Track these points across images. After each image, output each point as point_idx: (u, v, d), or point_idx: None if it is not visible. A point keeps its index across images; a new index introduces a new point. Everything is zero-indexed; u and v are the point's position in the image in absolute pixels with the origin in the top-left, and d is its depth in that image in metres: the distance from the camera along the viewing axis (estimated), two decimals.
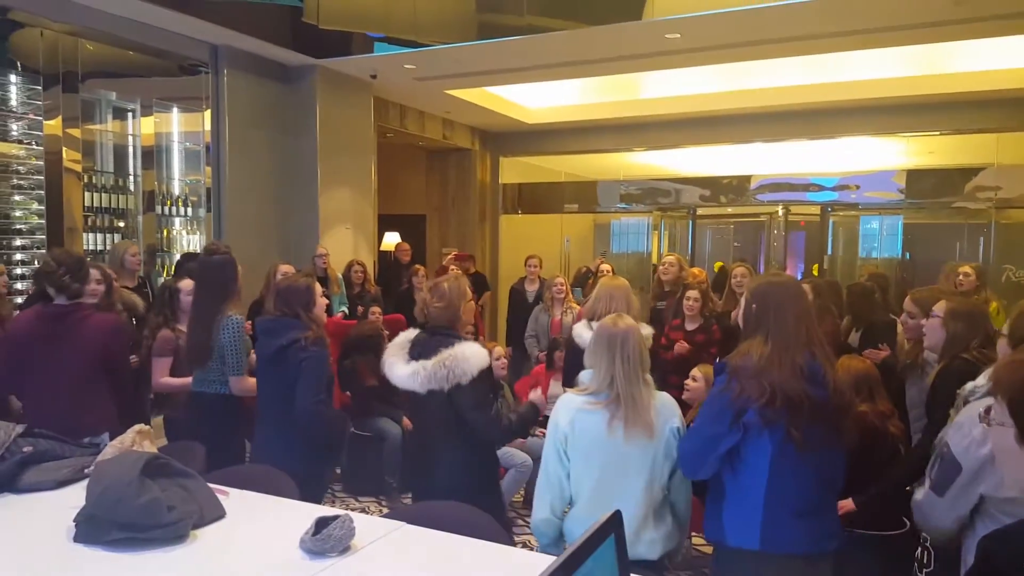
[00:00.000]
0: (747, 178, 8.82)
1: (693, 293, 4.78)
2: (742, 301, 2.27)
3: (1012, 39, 6.01)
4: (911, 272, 8.39)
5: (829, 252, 8.74)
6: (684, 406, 3.80)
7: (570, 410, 2.31)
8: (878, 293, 4.85)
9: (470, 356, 2.60)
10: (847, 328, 4.60)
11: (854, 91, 7.48)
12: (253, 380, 3.19)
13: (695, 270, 5.98)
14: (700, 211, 9.13)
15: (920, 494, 2.05)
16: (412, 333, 2.81)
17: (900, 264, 8.57)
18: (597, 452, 2.26)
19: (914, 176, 8.08)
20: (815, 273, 8.31)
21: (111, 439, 2.47)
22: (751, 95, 7.87)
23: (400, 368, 2.69)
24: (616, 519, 1.13)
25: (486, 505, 2.30)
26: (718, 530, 2.18)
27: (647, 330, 3.58)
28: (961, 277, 5.00)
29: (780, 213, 8.75)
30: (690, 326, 4.78)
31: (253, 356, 3.31)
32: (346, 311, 5.86)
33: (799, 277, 8.18)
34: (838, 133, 8.21)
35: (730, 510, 2.14)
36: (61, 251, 3.22)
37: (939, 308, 2.78)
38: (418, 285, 6.41)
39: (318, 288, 3.16)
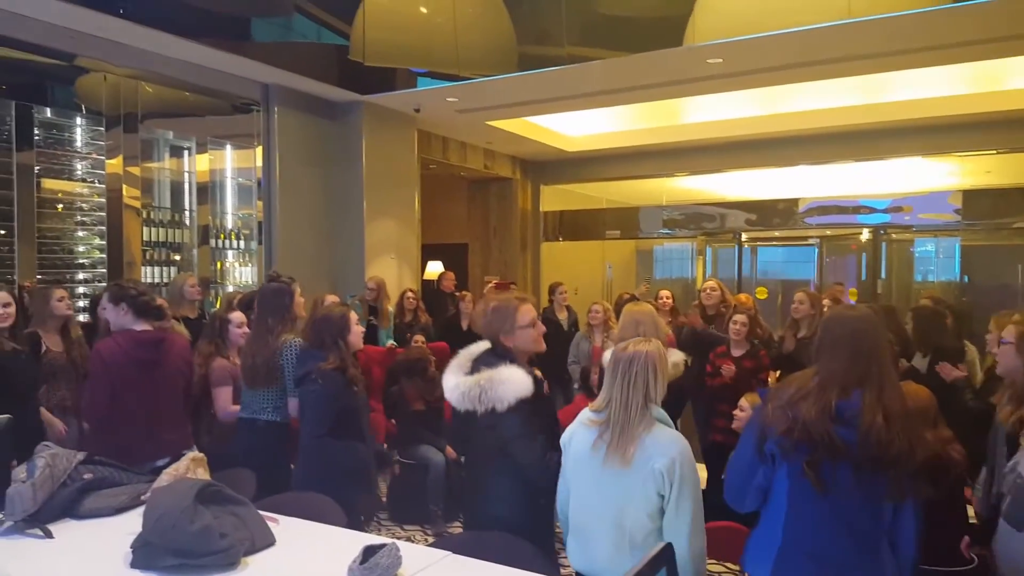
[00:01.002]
0: (795, 201, 8.67)
1: (740, 317, 4.67)
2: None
3: None
4: (971, 296, 8.09)
5: (883, 276, 8.49)
6: (732, 436, 3.74)
7: (576, 422, 2.35)
8: (949, 318, 4.66)
9: (506, 380, 2.43)
10: (910, 352, 4.45)
11: (904, 111, 7.30)
12: None
13: (741, 296, 5.89)
14: (746, 235, 8.99)
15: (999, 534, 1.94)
16: (484, 345, 2.62)
17: (959, 288, 8.26)
18: (580, 467, 2.29)
19: (971, 197, 7.82)
20: (853, 298, 8.06)
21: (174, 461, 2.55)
22: (796, 117, 7.76)
23: (450, 379, 2.54)
24: (668, 552, 1.11)
25: (533, 537, 2.26)
26: (744, 555, 2.15)
27: (676, 356, 3.52)
28: None
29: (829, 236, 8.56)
30: (736, 352, 4.68)
31: None
32: (394, 343, 5.93)
33: (850, 303, 7.95)
34: (888, 154, 8.02)
35: (755, 539, 2.10)
36: (127, 280, 3.36)
37: (1009, 334, 2.67)
38: (465, 310, 6.46)
39: (354, 317, 3.21)
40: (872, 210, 8.28)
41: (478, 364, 2.55)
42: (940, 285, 8.27)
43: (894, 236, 8.46)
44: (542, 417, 2.51)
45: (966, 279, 8.32)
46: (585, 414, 2.34)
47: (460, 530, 3.05)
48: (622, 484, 2.19)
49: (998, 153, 7.69)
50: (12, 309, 3.52)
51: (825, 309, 5.04)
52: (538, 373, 2.59)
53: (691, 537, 2.18)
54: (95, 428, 3.11)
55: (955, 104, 7.08)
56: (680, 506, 2.16)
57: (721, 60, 5.57)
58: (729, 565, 4.03)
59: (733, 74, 5.96)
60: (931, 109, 7.19)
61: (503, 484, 2.56)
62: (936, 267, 8.57)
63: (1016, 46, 5.37)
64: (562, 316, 6.55)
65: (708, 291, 5.44)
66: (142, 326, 3.12)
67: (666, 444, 2.19)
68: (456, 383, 2.52)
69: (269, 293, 3.51)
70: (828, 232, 8.66)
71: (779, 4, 4.93)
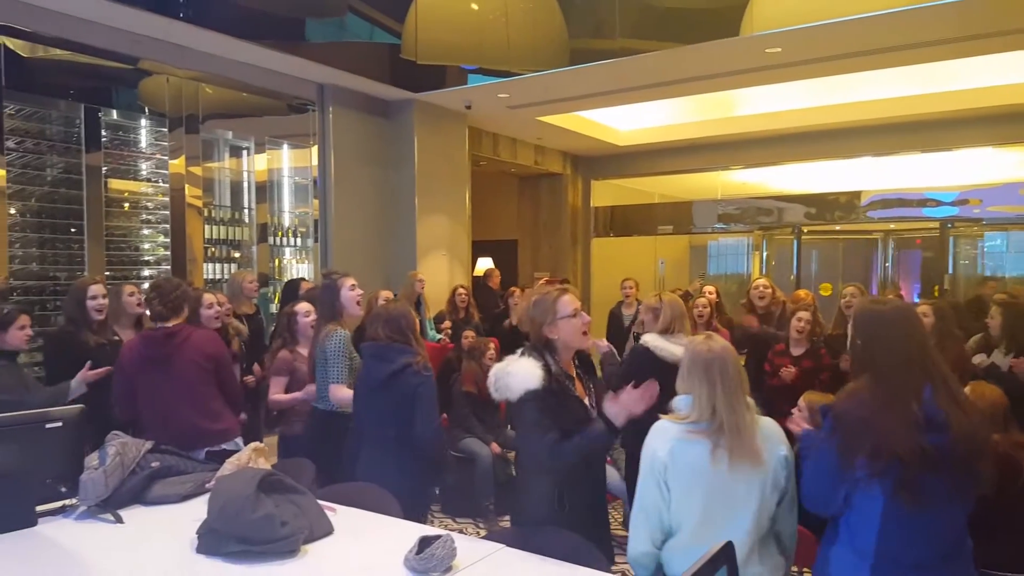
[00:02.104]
0: (856, 194, 8.39)
1: (804, 315, 4.50)
2: (848, 332, 2.07)
3: None
4: None
5: (949, 271, 8.16)
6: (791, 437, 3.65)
7: (668, 439, 2.14)
8: None
9: (513, 372, 2.34)
10: (985, 347, 4.26)
11: (973, 99, 7.01)
12: (350, 393, 3.27)
13: (800, 292, 5.71)
14: (806, 230, 8.74)
15: None
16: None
17: None
18: (700, 483, 2.09)
19: None
20: (935, 294, 7.75)
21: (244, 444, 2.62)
22: (857, 107, 7.53)
23: (495, 367, 2.44)
24: (728, 550, 1.09)
25: (590, 535, 2.20)
26: (823, 569, 2.03)
27: (677, 348, 3.48)
28: None
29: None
30: (796, 351, 4.53)
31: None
32: (443, 336, 5.98)
33: (915, 299, 7.67)
34: (956, 145, 7.71)
35: (839, 553, 1.98)
36: (161, 279, 3.48)
37: None
38: (513, 306, 6.46)
39: (413, 313, 3.25)
40: (938, 203, 7.96)
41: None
42: (1011, 281, 7.90)
43: (962, 230, 8.11)
44: (555, 412, 2.33)
45: None
46: (675, 428, 2.15)
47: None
48: (755, 482, 2.09)
49: None
50: (106, 301, 3.70)
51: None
52: (569, 369, 2.48)
53: (793, 520, 2.21)
54: (125, 422, 3.20)
55: None
56: (794, 492, 2.16)
57: (780, 49, 5.44)
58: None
59: (792, 64, 5.81)
60: (1002, 97, 6.88)
61: (524, 479, 2.50)
62: (1006, 262, 8.19)
63: None
64: (628, 312, 6.49)
65: (761, 289, 5.31)
66: (161, 324, 3.28)
67: (777, 432, 2.19)
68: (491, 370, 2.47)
69: (321, 289, 3.70)
70: (892, 226, 8.36)
71: None
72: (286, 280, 5.87)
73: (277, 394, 3.73)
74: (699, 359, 2.15)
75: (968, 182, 7.82)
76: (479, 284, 8.13)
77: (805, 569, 3.76)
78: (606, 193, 10.03)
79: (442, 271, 7.05)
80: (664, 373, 2.43)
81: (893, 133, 7.84)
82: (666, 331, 3.56)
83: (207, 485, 2.45)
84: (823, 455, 1.97)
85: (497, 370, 2.38)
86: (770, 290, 5.29)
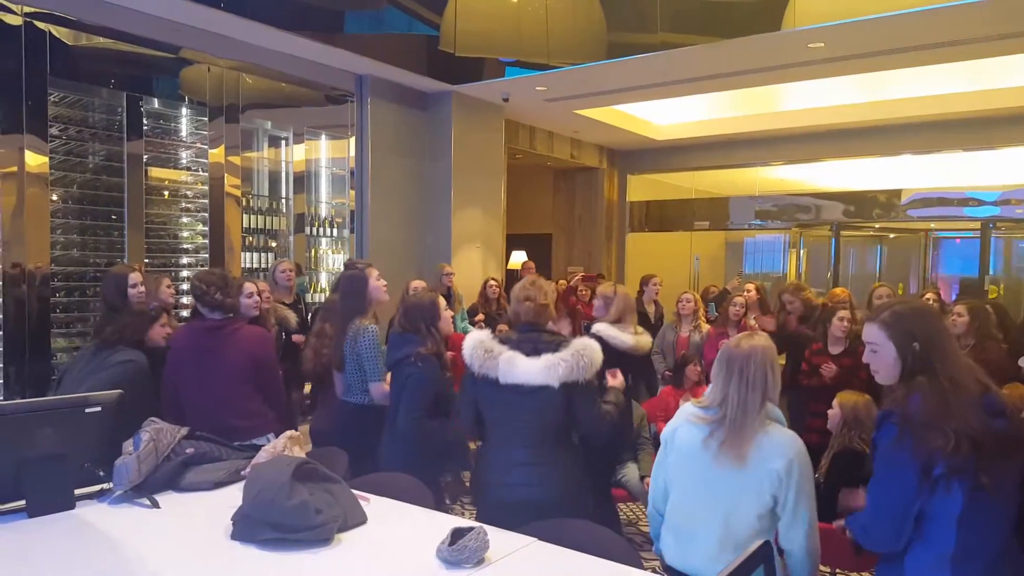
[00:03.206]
0: (896, 192, 8.21)
1: (844, 313, 4.44)
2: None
3: None
4: None
5: (991, 272, 7.94)
6: (828, 437, 3.58)
7: (681, 416, 2.31)
8: None
9: (598, 351, 2.60)
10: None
11: (1015, 98, 6.85)
12: (387, 389, 3.32)
13: (837, 290, 5.62)
14: (844, 228, 8.56)
15: None
16: (484, 334, 2.71)
17: None
18: (687, 465, 2.23)
19: None
20: (992, 295, 7.54)
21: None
22: (899, 104, 7.38)
23: (525, 362, 2.57)
24: (766, 550, 1.07)
25: (599, 519, 2.31)
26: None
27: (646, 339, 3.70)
28: None
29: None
30: (835, 349, 4.46)
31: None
32: (469, 328, 5.98)
33: (953, 299, 7.48)
34: (999, 143, 7.51)
35: (915, 570, 1.87)
36: (206, 272, 3.49)
37: None
38: (598, 296, 6.43)
39: (442, 303, 3.24)
40: (980, 202, 7.79)
41: (540, 343, 2.65)
42: None
43: (1004, 230, 7.89)
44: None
45: None
46: (691, 409, 2.28)
47: None
48: (734, 483, 2.13)
49: None
50: (144, 289, 3.76)
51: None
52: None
53: (808, 540, 2.13)
54: (165, 408, 3.23)
55: None
56: (798, 510, 2.11)
57: (823, 44, 5.33)
58: (821, 567, 3.86)
59: (835, 59, 5.69)
60: None
61: (567, 457, 2.72)
62: None
63: None
64: (649, 309, 6.44)
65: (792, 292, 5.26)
66: (212, 316, 3.27)
67: (783, 445, 2.13)
68: (549, 362, 2.60)
69: (344, 280, 3.61)
70: (933, 225, 8.15)
71: None
72: (341, 268, 5.87)
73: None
74: (728, 352, 2.22)
75: (1011, 182, 7.63)
76: (515, 277, 8.13)
77: (839, 571, 3.70)
78: (642, 188, 9.95)
79: (476, 264, 7.05)
80: (619, 360, 2.73)
81: (934, 131, 7.68)
82: (617, 321, 3.66)
83: (241, 473, 2.47)
84: (895, 471, 1.86)
85: (585, 351, 2.57)
86: (801, 294, 5.23)
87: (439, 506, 2.89)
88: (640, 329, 3.76)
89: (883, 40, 5.23)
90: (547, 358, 2.56)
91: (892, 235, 8.72)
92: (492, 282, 6.40)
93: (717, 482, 2.16)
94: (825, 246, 8.82)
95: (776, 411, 2.22)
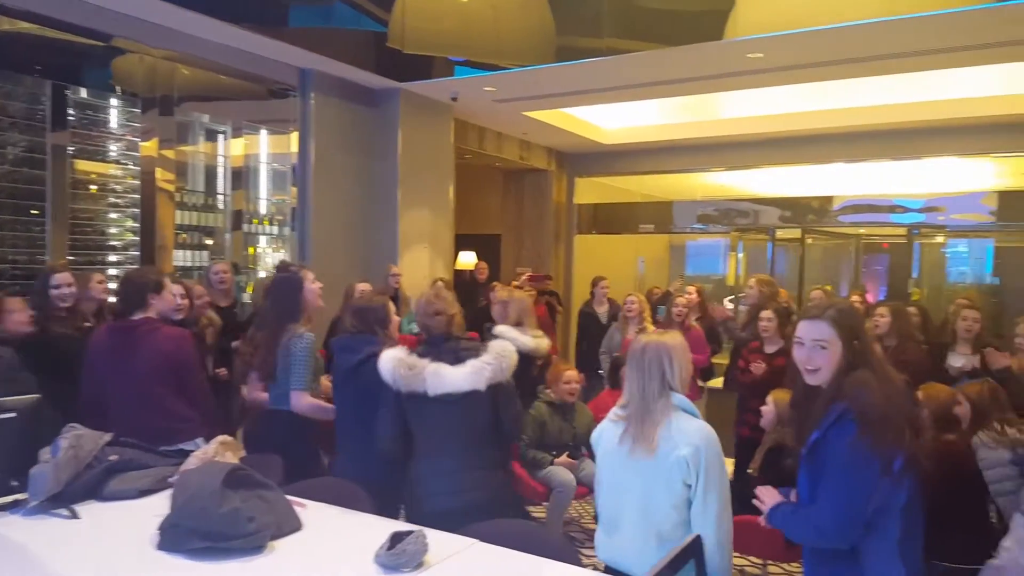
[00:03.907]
0: (828, 199, 8.54)
1: (767, 314, 4.64)
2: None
3: None
4: (1001, 298, 7.91)
5: (915, 275, 8.33)
6: (760, 432, 3.69)
7: (605, 419, 2.42)
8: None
9: (513, 350, 2.76)
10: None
11: (941, 110, 7.17)
12: (313, 400, 3.20)
13: (782, 291, 5.83)
14: (779, 232, 8.85)
15: (1015, 531, 1.86)
16: (400, 351, 2.74)
17: (990, 289, 8.10)
18: (609, 463, 2.34)
19: (1006, 198, 7.69)
20: (915, 298, 7.89)
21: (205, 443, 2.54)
22: (833, 115, 7.65)
23: (451, 371, 2.66)
24: (697, 545, 1.08)
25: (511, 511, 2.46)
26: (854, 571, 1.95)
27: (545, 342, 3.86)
28: None
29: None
30: (769, 348, 4.61)
31: (326, 382, 3.36)
32: (416, 330, 5.90)
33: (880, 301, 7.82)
34: (924, 153, 7.87)
35: (873, 561, 1.91)
36: (132, 271, 3.35)
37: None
38: (495, 302, 6.41)
39: (391, 307, 3.19)
40: (906, 209, 8.15)
41: (457, 351, 2.76)
42: (972, 286, 8.10)
43: (927, 236, 8.29)
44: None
45: (997, 280, 8.16)
46: (613, 411, 2.39)
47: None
48: (648, 474, 2.21)
49: None
50: (73, 289, 3.58)
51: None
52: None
53: (717, 528, 2.17)
54: (82, 412, 3.06)
55: (993, 104, 6.95)
56: (708, 496, 2.16)
57: (762, 55, 5.48)
58: (752, 559, 3.97)
59: (773, 69, 5.85)
60: (969, 109, 7.06)
61: (488, 459, 2.82)
62: (968, 268, 8.40)
63: None
64: (601, 310, 6.51)
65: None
66: (137, 315, 3.15)
67: (690, 432, 2.20)
68: (475, 367, 2.73)
69: (276, 284, 3.46)
70: (862, 230, 8.49)
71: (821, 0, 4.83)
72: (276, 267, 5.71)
73: (257, 392, 3.60)
74: (630, 351, 2.36)
75: (935, 190, 7.99)
76: (464, 278, 8.09)
77: (770, 562, 3.80)
78: (590, 190, 10.05)
79: (424, 265, 6.98)
80: (523, 362, 2.90)
81: (865, 140, 7.97)
82: (517, 324, 3.81)
83: (169, 480, 2.37)
84: (848, 471, 1.87)
85: (504, 352, 2.74)
86: (755, 289, 5.36)
87: (395, 513, 2.84)
88: (539, 332, 3.92)
89: (819, 52, 5.39)
90: (472, 364, 2.68)
91: (824, 240, 9.04)
92: (439, 283, 6.34)
93: (633, 475, 2.25)
94: (762, 250, 9.08)
95: (686, 401, 2.27)
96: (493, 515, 2.40)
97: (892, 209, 8.20)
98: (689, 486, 2.17)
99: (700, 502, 2.17)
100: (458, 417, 2.67)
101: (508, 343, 2.80)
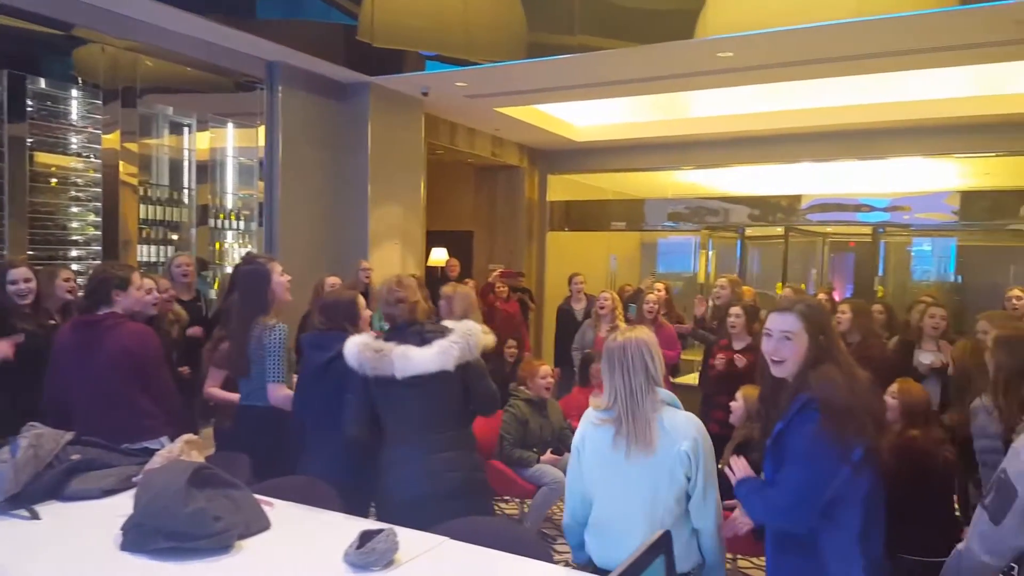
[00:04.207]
0: (797, 198, 8.67)
1: (736, 310, 4.71)
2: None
3: None
4: (963, 295, 8.13)
5: (880, 273, 8.51)
6: (728, 427, 3.74)
7: (585, 424, 2.34)
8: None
9: (479, 329, 2.80)
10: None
11: (907, 111, 7.31)
12: (290, 392, 3.17)
13: (746, 288, 5.91)
14: (749, 231, 8.96)
15: (976, 526, 1.90)
16: (365, 336, 2.81)
17: (953, 287, 8.30)
18: (602, 468, 2.26)
19: (968, 198, 7.90)
20: (880, 295, 8.07)
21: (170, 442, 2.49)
22: (801, 114, 7.75)
23: (419, 352, 2.66)
24: (666, 539, 1.08)
25: (484, 508, 2.44)
26: (815, 564, 1.99)
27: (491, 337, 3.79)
28: (1014, 301, 4.78)
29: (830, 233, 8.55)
30: (738, 345, 4.67)
31: (292, 378, 3.32)
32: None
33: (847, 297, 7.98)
34: (890, 153, 8.03)
35: (834, 566, 1.96)
36: (100, 266, 3.27)
37: (987, 334, 2.69)
38: (441, 297, 6.38)
39: (362, 301, 3.15)
40: (872, 208, 8.31)
41: (423, 335, 2.76)
42: (935, 284, 8.29)
43: (892, 235, 8.46)
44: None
45: (959, 279, 8.36)
46: (592, 415, 2.32)
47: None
48: (650, 473, 2.18)
49: (996, 156, 7.74)
50: (33, 285, 3.47)
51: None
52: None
53: (717, 517, 2.23)
54: (46, 411, 3.00)
55: (957, 106, 7.11)
56: (707, 489, 2.20)
57: (732, 54, 5.53)
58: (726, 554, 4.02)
59: (743, 68, 5.91)
60: (934, 110, 7.22)
61: (460, 441, 2.84)
62: (932, 266, 8.60)
63: (1018, 51, 5.32)
64: (579, 306, 6.52)
65: (717, 290, 5.47)
66: (102, 311, 3.08)
67: (686, 425, 2.21)
68: (441, 348, 2.72)
69: (243, 276, 3.40)
70: (829, 229, 8.64)
71: (791, 0, 4.89)
72: (236, 264, 5.63)
73: (214, 388, 3.53)
74: (608, 349, 2.29)
75: (900, 190, 8.17)
76: (435, 275, 8.04)
77: (739, 555, 3.85)
78: (562, 188, 10.07)
79: (395, 261, 6.93)
80: None
81: (832, 140, 8.09)
82: (463, 319, 3.80)
83: (133, 479, 2.32)
84: (809, 457, 1.93)
85: (467, 332, 2.75)
86: (727, 289, 5.43)
87: (365, 511, 2.81)
88: (487, 328, 3.94)
89: (788, 52, 5.45)
90: (439, 344, 2.67)
91: (793, 238, 9.19)
92: (400, 274, 6.30)
93: (633, 476, 2.20)
94: (732, 248, 9.19)
95: (669, 394, 2.28)
96: (467, 498, 2.42)
97: (858, 208, 8.36)
98: (689, 479, 2.18)
99: (701, 495, 2.19)
100: (428, 399, 2.65)
101: (473, 323, 2.81)
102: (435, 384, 2.65)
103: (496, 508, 4.87)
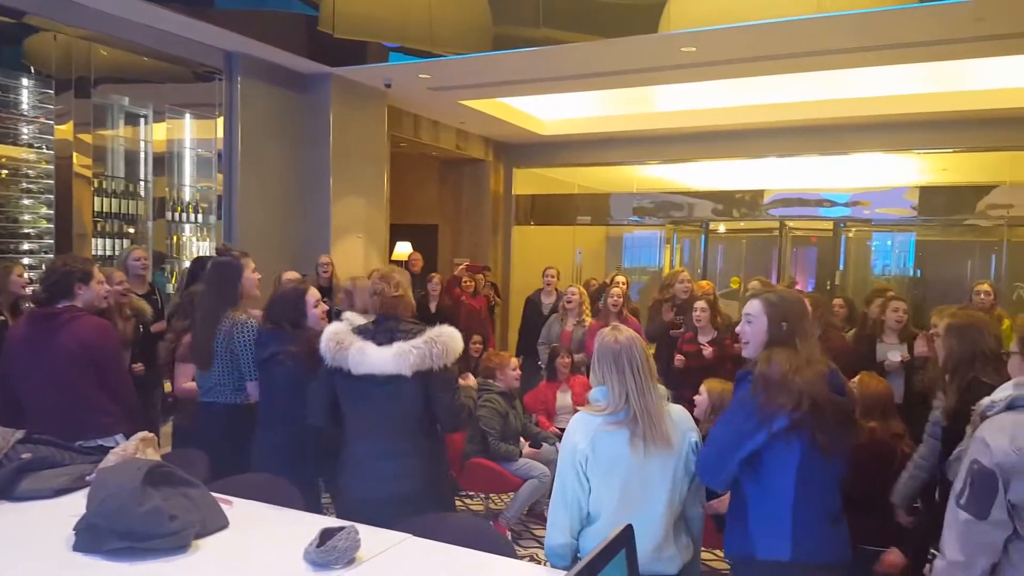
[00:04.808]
0: (760, 193, 8.78)
1: (700, 304, 4.76)
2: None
3: None
4: (922, 289, 8.33)
5: (841, 268, 8.67)
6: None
7: (589, 431, 2.19)
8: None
9: (456, 337, 2.60)
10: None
11: (868, 107, 7.45)
12: None
13: (703, 283, 5.96)
14: (713, 225, 9.06)
15: (952, 529, 1.84)
16: (341, 325, 2.68)
17: (911, 281, 8.51)
18: (619, 471, 2.16)
19: (927, 193, 8.07)
20: (829, 288, 8.24)
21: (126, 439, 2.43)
22: (765, 110, 7.84)
23: (375, 351, 2.53)
24: (628, 533, 1.08)
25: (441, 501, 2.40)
26: (745, 544, 2.12)
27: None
28: (983, 295, 4.91)
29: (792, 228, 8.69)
30: (702, 338, 4.73)
31: None
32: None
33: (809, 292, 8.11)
34: (851, 149, 8.18)
35: (758, 522, 2.10)
36: (59, 258, 3.18)
37: (940, 325, 2.75)
38: (432, 292, 6.36)
39: (313, 297, 3.10)
40: (833, 203, 8.45)
41: (393, 333, 2.62)
42: (895, 278, 8.49)
43: (853, 230, 8.63)
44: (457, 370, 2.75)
45: (919, 273, 8.57)
46: (594, 420, 2.19)
47: None
48: (670, 467, 2.19)
49: (954, 152, 7.95)
50: None
51: None
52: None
53: (699, 503, 2.32)
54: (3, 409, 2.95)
55: (917, 103, 7.26)
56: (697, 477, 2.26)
57: (695, 49, 5.57)
58: None
59: (706, 63, 5.97)
60: (894, 106, 7.36)
61: (420, 447, 2.70)
62: (892, 261, 8.79)
63: (976, 48, 5.48)
64: (548, 300, 6.50)
65: (686, 283, 5.50)
66: (61, 304, 3.00)
67: (687, 418, 2.29)
68: (399, 350, 2.56)
69: (214, 268, 3.36)
70: (791, 224, 8.79)
71: None
72: (194, 258, 5.51)
73: (187, 382, 3.46)
74: (608, 350, 2.22)
75: (860, 185, 8.34)
76: (399, 269, 7.96)
77: (702, 548, 3.91)
78: (527, 181, 10.06)
79: (358, 255, 6.86)
80: None
81: (795, 135, 8.21)
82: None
83: (87, 478, 2.26)
84: (736, 417, 2.12)
85: (440, 338, 2.56)
86: (691, 283, 5.48)
87: (314, 509, 2.78)
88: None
89: (750, 48, 5.52)
90: (398, 346, 2.53)
91: (756, 232, 9.32)
92: (374, 274, 6.22)
93: (654, 474, 2.18)
94: (696, 242, 9.29)
95: (664, 389, 2.31)
96: (422, 508, 2.32)
97: (820, 203, 8.50)
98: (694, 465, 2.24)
99: (697, 482, 2.27)
100: (382, 401, 2.55)
101: (450, 328, 2.63)
102: (391, 387, 2.53)
103: (463, 505, 4.87)
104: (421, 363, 2.50)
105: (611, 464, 2.17)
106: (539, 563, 2.35)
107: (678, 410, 2.29)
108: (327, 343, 2.61)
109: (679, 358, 4.65)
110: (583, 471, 2.18)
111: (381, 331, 2.61)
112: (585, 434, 2.19)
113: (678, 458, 2.21)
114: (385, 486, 2.53)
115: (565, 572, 2.20)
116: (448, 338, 2.57)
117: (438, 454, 2.73)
